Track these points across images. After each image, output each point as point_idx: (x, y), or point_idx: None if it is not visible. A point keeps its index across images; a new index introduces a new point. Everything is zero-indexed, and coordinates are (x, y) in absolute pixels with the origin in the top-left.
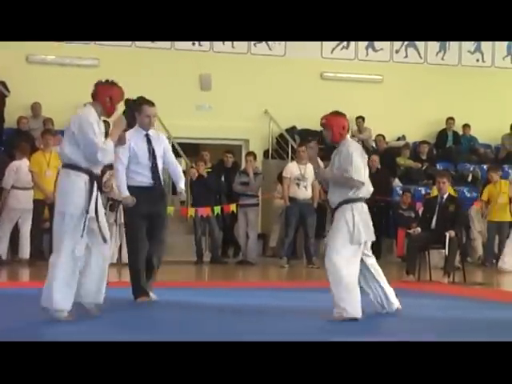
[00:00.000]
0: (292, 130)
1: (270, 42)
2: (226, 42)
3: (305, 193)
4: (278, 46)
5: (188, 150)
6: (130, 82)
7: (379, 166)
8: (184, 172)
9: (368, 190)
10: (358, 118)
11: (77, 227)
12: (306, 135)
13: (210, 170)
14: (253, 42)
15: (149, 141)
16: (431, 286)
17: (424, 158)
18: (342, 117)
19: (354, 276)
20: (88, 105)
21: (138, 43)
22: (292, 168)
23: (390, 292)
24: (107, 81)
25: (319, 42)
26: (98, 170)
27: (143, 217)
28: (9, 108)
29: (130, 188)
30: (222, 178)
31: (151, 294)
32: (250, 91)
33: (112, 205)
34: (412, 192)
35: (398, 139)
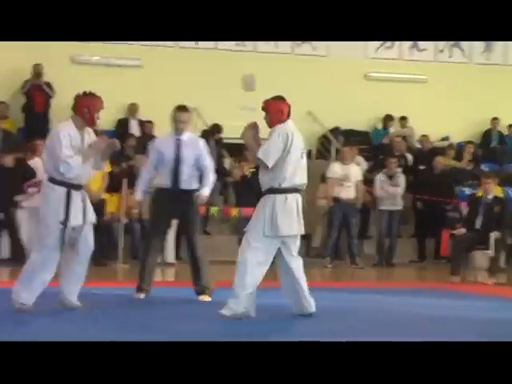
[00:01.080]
0: (335, 131)
1: (313, 42)
2: (269, 42)
3: (348, 193)
4: (321, 46)
5: (232, 150)
6: (174, 82)
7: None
8: (229, 172)
9: (293, 181)
10: (401, 118)
11: (51, 237)
12: (349, 136)
13: (253, 169)
14: (296, 42)
15: (178, 146)
16: (476, 287)
17: (469, 158)
18: (281, 101)
19: (255, 276)
20: (69, 118)
21: (181, 43)
22: (335, 168)
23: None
24: (85, 93)
25: (363, 42)
26: (81, 181)
27: (166, 216)
28: (54, 109)
29: (155, 189)
30: None
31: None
32: (293, 91)
33: None
34: (456, 192)
35: (443, 139)
